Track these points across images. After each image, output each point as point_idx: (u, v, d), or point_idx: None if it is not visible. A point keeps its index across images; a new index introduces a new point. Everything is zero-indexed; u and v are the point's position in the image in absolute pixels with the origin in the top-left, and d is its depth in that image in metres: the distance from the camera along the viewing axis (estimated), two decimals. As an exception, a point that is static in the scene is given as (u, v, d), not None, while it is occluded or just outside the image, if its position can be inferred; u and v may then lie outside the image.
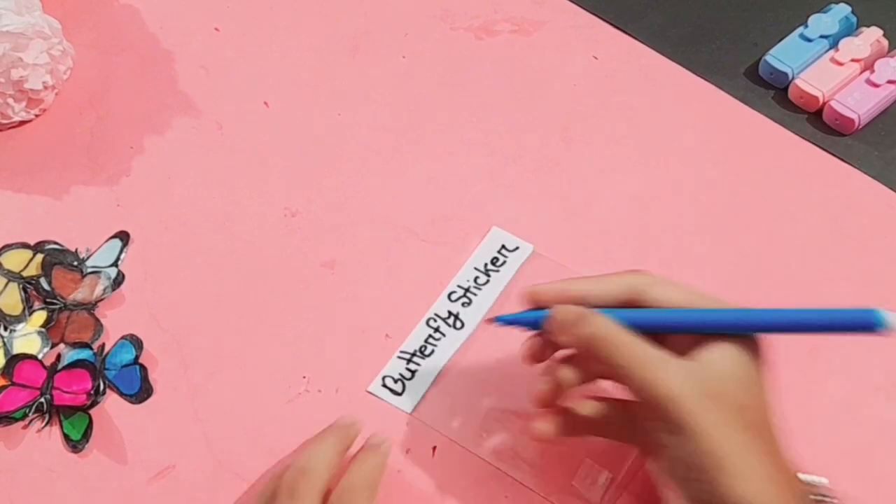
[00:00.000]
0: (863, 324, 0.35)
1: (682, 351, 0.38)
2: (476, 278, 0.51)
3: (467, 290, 0.50)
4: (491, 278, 0.51)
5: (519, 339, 0.49)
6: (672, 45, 0.60)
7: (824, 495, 0.37)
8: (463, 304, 0.50)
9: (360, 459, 0.42)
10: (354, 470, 0.41)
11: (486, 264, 0.51)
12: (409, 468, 0.45)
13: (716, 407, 0.36)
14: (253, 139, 0.57)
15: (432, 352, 0.48)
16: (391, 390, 0.47)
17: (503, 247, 0.52)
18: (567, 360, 0.41)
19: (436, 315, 0.50)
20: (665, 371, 0.37)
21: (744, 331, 0.38)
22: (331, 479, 0.40)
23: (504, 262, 0.51)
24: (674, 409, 0.36)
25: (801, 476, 0.38)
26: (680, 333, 0.39)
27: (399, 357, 0.48)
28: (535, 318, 0.42)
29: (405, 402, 0.47)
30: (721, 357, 0.37)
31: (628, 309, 0.40)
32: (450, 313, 0.49)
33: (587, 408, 0.41)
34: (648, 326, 0.39)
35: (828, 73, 0.56)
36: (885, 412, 0.47)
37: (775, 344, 0.48)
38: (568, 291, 0.41)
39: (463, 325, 0.49)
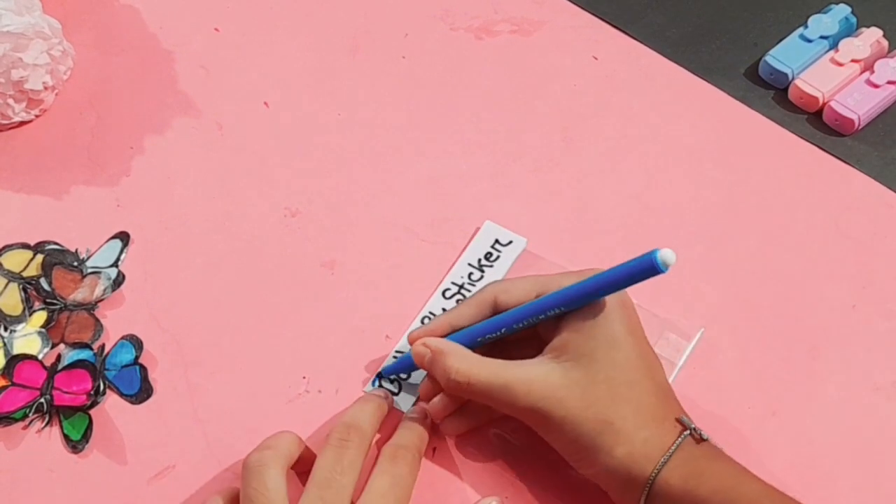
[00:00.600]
0: (647, 268, 0.38)
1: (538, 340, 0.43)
2: (470, 274, 0.51)
3: (461, 286, 0.50)
4: (485, 274, 0.51)
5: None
6: (672, 45, 0.60)
7: (694, 428, 0.40)
8: (458, 302, 0.50)
9: (406, 425, 0.44)
10: (403, 431, 0.44)
11: (479, 259, 0.51)
12: (409, 468, 0.45)
13: (568, 395, 0.40)
14: (253, 139, 0.57)
15: None
16: (388, 390, 0.47)
17: (497, 241, 0.52)
18: None
19: (431, 313, 0.50)
20: (518, 386, 0.40)
21: (564, 307, 0.41)
22: (373, 437, 0.43)
23: (498, 256, 0.51)
24: (538, 414, 0.40)
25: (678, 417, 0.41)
26: (519, 331, 0.42)
27: (395, 357, 0.48)
28: (409, 360, 0.45)
29: (401, 402, 0.47)
30: (563, 340, 0.41)
31: (465, 330, 0.44)
32: (444, 311, 0.49)
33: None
34: (488, 336, 0.43)
35: (828, 74, 0.56)
36: (885, 412, 0.47)
37: (774, 345, 0.49)
38: (436, 327, 0.45)
39: None
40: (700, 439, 0.40)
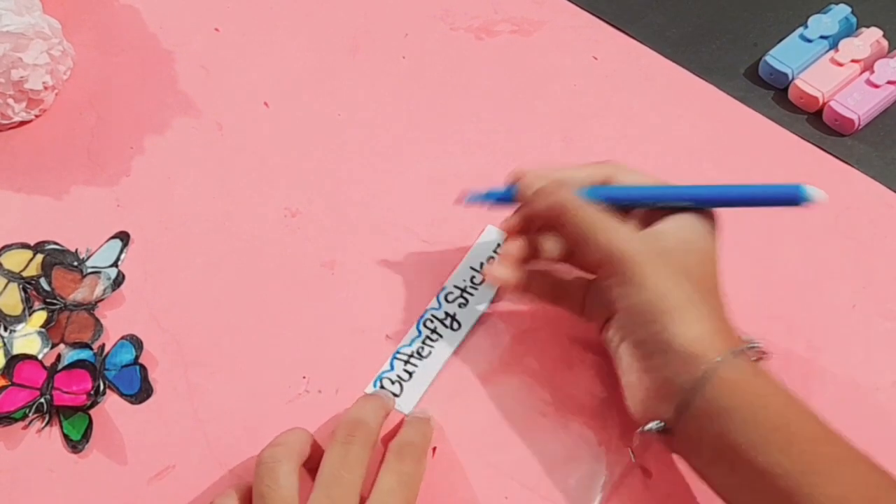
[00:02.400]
0: (792, 197, 0.40)
1: (643, 225, 0.44)
2: (472, 278, 0.51)
3: (463, 290, 0.50)
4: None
5: (516, 338, 0.49)
6: (672, 45, 0.60)
7: (756, 344, 0.42)
8: (459, 305, 0.50)
9: (410, 423, 0.45)
10: (408, 429, 0.44)
11: (481, 263, 0.51)
12: (409, 468, 0.45)
13: (663, 264, 0.41)
14: (253, 139, 0.57)
15: (429, 353, 0.48)
16: (389, 392, 0.47)
17: (498, 245, 0.52)
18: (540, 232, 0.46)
19: (432, 316, 0.50)
20: (619, 233, 0.42)
21: (690, 202, 0.43)
22: (379, 433, 0.43)
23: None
24: (627, 263, 0.41)
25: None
26: (638, 208, 0.44)
27: (396, 358, 0.48)
28: (506, 192, 0.47)
29: (403, 404, 0.47)
30: (672, 226, 0.42)
31: (595, 187, 0.45)
32: (446, 314, 0.49)
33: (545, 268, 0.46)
34: (611, 200, 0.44)
35: (828, 74, 0.56)
36: (885, 412, 0.47)
37: (774, 345, 0.49)
38: (548, 173, 0.46)
39: (459, 325, 0.49)
40: (760, 356, 0.41)
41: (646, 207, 0.44)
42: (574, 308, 0.45)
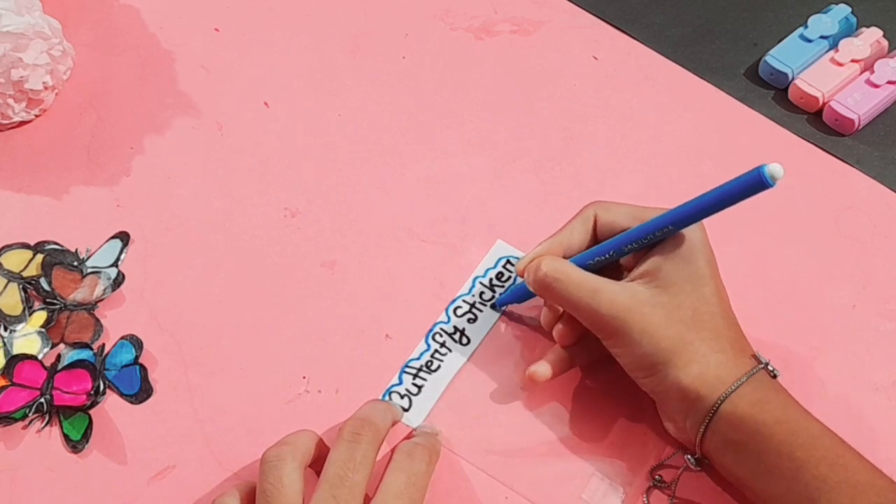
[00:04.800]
0: (756, 183, 0.38)
1: (635, 261, 0.44)
2: (482, 293, 0.50)
3: (473, 305, 0.50)
4: (496, 294, 0.50)
5: (524, 354, 0.49)
6: (672, 45, 0.60)
7: (769, 364, 0.42)
8: (469, 321, 0.50)
9: (420, 432, 0.46)
10: (418, 436, 0.45)
11: (491, 280, 0.51)
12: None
13: (651, 311, 0.41)
14: (253, 139, 0.57)
15: (438, 367, 0.48)
16: (399, 405, 0.47)
17: (508, 261, 0.52)
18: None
19: (441, 330, 0.49)
20: (602, 295, 0.42)
21: (668, 228, 0.42)
22: (386, 434, 0.43)
23: (509, 277, 0.51)
24: (615, 323, 0.41)
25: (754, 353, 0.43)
26: (624, 255, 0.44)
27: (405, 372, 0.48)
28: (521, 287, 0.47)
29: (412, 418, 0.47)
30: (656, 263, 0.42)
31: (581, 254, 0.45)
32: (455, 328, 0.49)
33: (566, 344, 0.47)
34: (596, 258, 0.44)
35: (828, 74, 0.56)
36: (885, 412, 0.47)
37: (774, 345, 0.49)
38: (549, 247, 0.46)
39: (469, 341, 0.49)
40: (772, 375, 0.41)
41: (632, 251, 0.43)
42: (591, 359, 0.47)
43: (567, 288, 0.43)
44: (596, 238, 0.46)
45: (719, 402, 0.40)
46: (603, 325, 0.42)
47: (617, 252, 0.44)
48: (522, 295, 0.48)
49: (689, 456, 0.43)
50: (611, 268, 0.45)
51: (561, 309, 0.46)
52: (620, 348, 0.42)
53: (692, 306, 0.41)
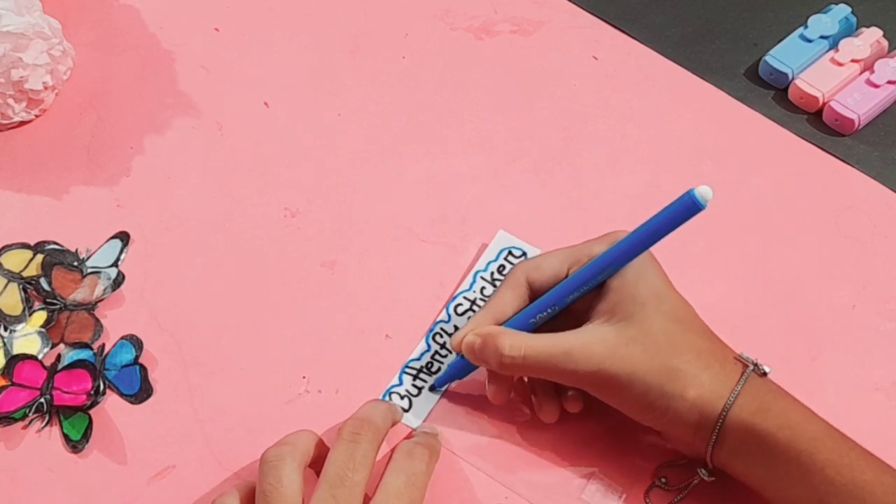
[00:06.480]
0: (689, 207, 0.37)
1: (582, 313, 0.43)
2: (482, 289, 0.50)
3: (474, 301, 0.50)
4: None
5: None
6: (672, 45, 0.60)
7: (756, 363, 0.41)
8: (469, 318, 0.49)
9: (420, 433, 0.45)
10: (419, 436, 0.45)
11: (492, 273, 0.51)
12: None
13: (629, 352, 0.40)
14: (253, 139, 0.57)
15: (439, 368, 0.48)
16: (399, 406, 0.47)
17: (510, 253, 0.51)
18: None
19: (442, 330, 0.49)
20: (576, 352, 0.41)
21: (606, 275, 0.42)
22: (385, 434, 0.43)
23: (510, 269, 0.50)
24: (602, 375, 0.41)
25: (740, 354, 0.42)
26: (561, 309, 0.43)
27: (405, 373, 0.48)
28: (462, 363, 0.45)
29: (412, 418, 0.47)
30: (608, 304, 0.41)
31: (516, 315, 0.44)
32: (456, 328, 0.49)
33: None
34: (538, 315, 0.43)
35: (828, 74, 0.56)
36: (885, 412, 0.47)
37: (774, 345, 0.48)
38: (480, 324, 0.44)
39: None
40: (762, 374, 0.41)
41: (575, 301, 0.43)
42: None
43: (537, 361, 0.41)
44: (532, 299, 0.44)
45: (722, 416, 0.40)
46: (588, 381, 0.41)
47: (559, 304, 0.43)
48: (462, 370, 0.46)
49: (701, 469, 0.42)
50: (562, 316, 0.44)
51: (513, 377, 0.45)
52: (615, 397, 0.42)
53: (662, 328, 0.41)
